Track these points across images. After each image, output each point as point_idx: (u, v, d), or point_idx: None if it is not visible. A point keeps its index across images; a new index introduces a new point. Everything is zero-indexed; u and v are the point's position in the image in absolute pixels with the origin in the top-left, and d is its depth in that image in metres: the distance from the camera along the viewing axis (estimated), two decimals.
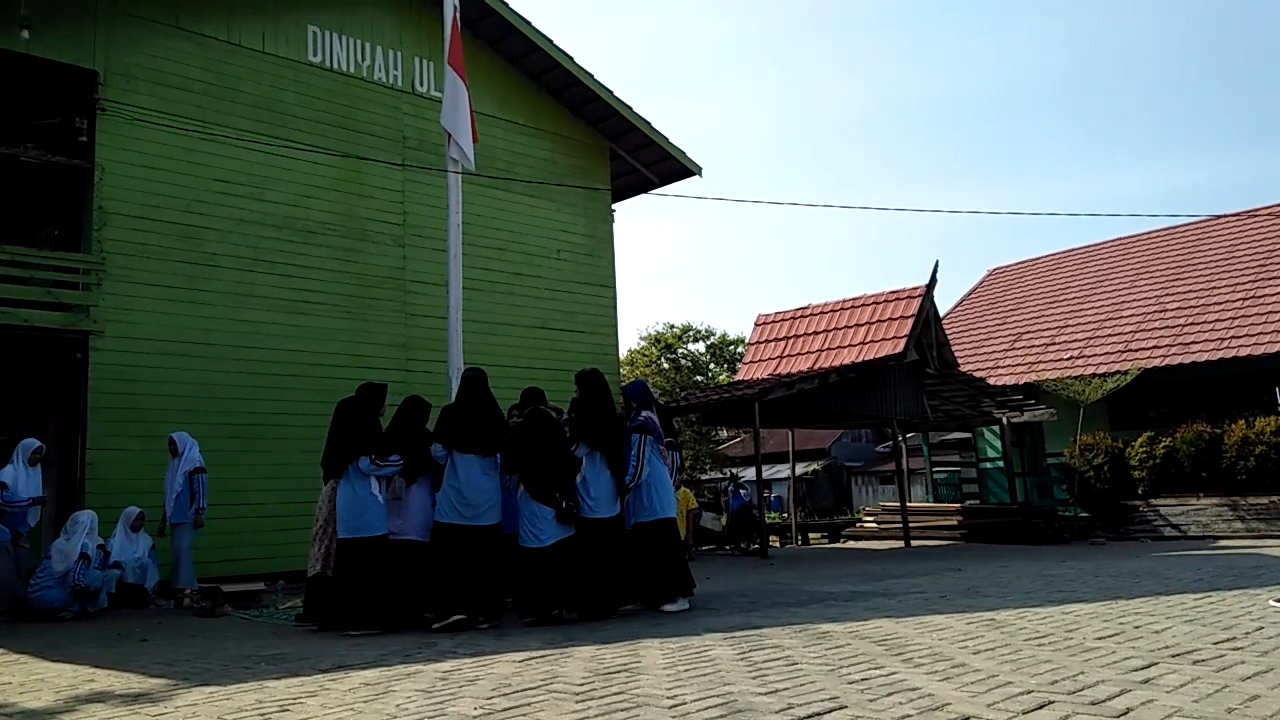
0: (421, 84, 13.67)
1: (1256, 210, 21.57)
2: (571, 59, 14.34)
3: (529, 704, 3.84)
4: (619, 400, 8.45)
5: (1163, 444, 16.87)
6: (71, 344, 10.60)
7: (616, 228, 15.68)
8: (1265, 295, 18.27)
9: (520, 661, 4.99)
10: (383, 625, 6.72)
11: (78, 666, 5.59)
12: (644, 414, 7.52)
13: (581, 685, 4.19)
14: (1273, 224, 20.70)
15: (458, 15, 9.95)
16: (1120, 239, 24.44)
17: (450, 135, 9.64)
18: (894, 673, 4.17)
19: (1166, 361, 17.78)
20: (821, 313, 17.99)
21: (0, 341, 10.53)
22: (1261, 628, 5.16)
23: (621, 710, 3.64)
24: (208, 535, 9.98)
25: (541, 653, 5.27)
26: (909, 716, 3.34)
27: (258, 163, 11.94)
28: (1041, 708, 3.39)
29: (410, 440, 7.15)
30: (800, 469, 27.82)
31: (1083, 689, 3.69)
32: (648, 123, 15.12)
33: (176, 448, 9.79)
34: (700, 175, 15.98)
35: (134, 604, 9.18)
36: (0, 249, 10.18)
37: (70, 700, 4.52)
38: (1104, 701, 3.46)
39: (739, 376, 19.02)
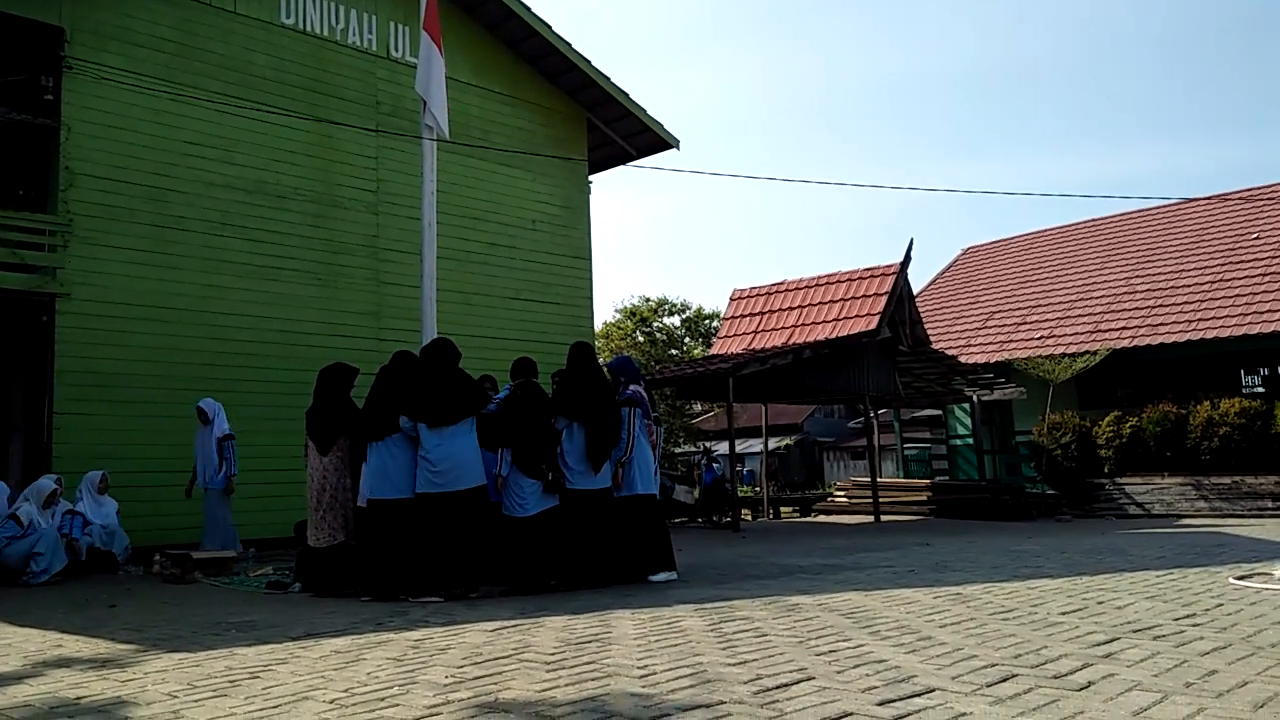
0: (396, 49, 13.48)
1: (1226, 194, 21.78)
2: (549, 27, 14.17)
3: (500, 673, 3.86)
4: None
5: (1129, 423, 17.08)
6: (38, 306, 10.43)
7: (593, 199, 15.59)
8: (1233, 279, 18.48)
9: (492, 631, 5.01)
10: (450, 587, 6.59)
11: (45, 631, 5.55)
12: (632, 388, 7.53)
13: (553, 655, 4.21)
14: (1242, 208, 20.92)
15: None
16: (1093, 220, 24.59)
17: (425, 102, 9.53)
18: (861, 645, 4.22)
19: (1135, 342, 17.98)
20: (796, 288, 18.02)
21: None
22: (1221, 604, 5.26)
23: (592, 680, 3.66)
24: (179, 502, 9.92)
25: (513, 622, 5.28)
26: (875, 688, 3.38)
27: (228, 125, 11.74)
28: (1005, 680, 3.45)
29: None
30: (773, 444, 27.97)
31: (1045, 662, 3.75)
32: (625, 94, 14.99)
33: (206, 415, 9.82)
34: (678, 148, 15.90)
35: (103, 570, 9.11)
36: None
37: (37, 665, 4.49)
38: (1066, 675, 3.52)
39: (713, 351, 19.05)
